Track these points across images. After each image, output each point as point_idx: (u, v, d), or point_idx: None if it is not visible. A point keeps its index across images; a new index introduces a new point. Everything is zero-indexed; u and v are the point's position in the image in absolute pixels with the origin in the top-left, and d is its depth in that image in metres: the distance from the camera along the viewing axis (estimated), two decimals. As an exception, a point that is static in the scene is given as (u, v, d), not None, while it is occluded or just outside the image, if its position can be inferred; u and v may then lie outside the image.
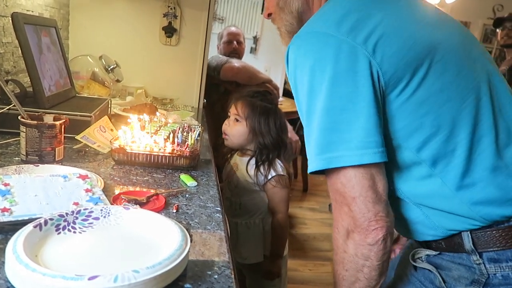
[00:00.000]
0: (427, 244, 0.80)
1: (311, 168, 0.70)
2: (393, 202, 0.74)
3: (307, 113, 0.70)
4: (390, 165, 0.71)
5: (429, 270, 0.78)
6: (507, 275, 0.69)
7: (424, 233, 0.77)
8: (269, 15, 0.92)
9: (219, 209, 0.88)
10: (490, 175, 0.69)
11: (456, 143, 0.69)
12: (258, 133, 1.36)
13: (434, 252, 0.78)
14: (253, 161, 1.37)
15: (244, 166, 1.39)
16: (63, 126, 1.02)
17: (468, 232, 0.72)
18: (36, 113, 1.04)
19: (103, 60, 1.86)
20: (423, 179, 0.72)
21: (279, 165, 1.35)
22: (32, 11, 1.59)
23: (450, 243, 0.75)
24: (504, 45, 2.87)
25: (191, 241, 0.72)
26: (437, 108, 0.68)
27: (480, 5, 4.81)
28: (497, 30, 2.87)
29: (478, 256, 0.71)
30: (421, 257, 0.81)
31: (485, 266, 0.70)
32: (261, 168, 1.35)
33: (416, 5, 0.77)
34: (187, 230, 0.70)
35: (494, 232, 0.70)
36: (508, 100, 0.74)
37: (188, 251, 0.62)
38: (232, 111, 1.41)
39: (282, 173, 1.34)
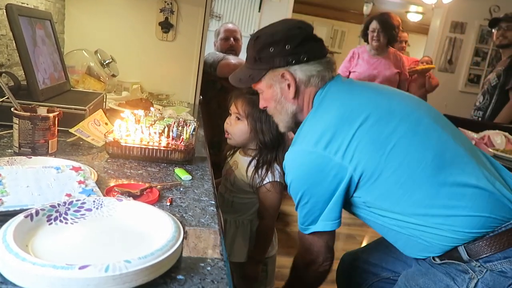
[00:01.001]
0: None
1: (304, 230, 1.03)
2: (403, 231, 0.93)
3: (297, 204, 1.00)
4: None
5: (451, 262, 0.91)
6: (502, 270, 0.85)
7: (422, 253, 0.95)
8: (265, 107, 1.11)
9: (213, 202, 0.88)
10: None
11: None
12: (259, 131, 1.34)
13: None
14: (254, 162, 1.37)
15: (244, 166, 1.38)
16: (56, 119, 1.01)
17: (462, 246, 0.87)
18: (30, 106, 1.03)
19: (98, 54, 1.85)
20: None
21: (277, 171, 1.34)
22: (27, 4, 1.58)
23: (448, 255, 0.90)
24: (499, 45, 2.90)
25: (185, 236, 0.71)
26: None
27: (476, 6, 4.82)
28: (493, 30, 2.89)
29: (475, 261, 0.87)
30: (436, 259, 0.94)
31: (484, 266, 0.86)
32: (260, 171, 1.34)
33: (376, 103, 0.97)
34: (180, 223, 0.70)
35: (481, 243, 0.86)
36: None
37: (181, 243, 0.62)
38: (233, 109, 1.40)
39: (278, 180, 1.34)
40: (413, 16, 6.30)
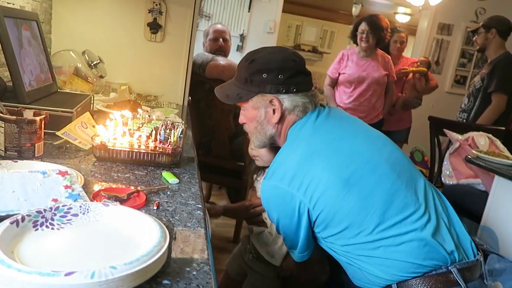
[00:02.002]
0: None
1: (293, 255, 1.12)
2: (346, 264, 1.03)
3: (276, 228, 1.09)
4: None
5: None
6: None
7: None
8: (243, 123, 1.16)
9: (200, 206, 0.89)
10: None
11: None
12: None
13: None
14: None
15: None
16: (43, 122, 1.01)
17: (395, 284, 0.95)
18: (16, 108, 1.03)
19: (86, 55, 1.84)
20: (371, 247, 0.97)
21: None
22: (13, 4, 1.56)
23: None
24: (478, 50, 3.00)
25: (173, 237, 0.72)
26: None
27: (463, 8, 4.89)
28: (475, 36, 2.98)
29: None
30: None
31: None
32: None
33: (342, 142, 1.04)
34: (167, 227, 0.71)
35: (412, 281, 0.93)
36: None
37: (167, 248, 0.62)
38: None
39: None
40: (401, 17, 6.36)
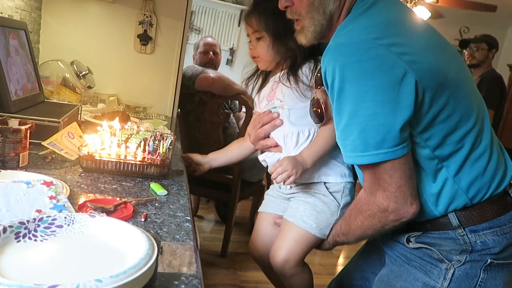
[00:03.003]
0: (409, 226, 0.92)
1: (357, 161, 0.83)
2: None
3: (350, 116, 0.79)
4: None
5: (425, 247, 0.92)
6: (484, 241, 0.88)
7: (417, 215, 0.88)
8: (287, 7, 0.93)
9: (189, 218, 0.87)
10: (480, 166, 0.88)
11: (464, 142, 0.86)
12: (283, 36, 1.15)
13: (418, 233, 0.94)
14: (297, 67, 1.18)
15: (284, 78, 1.20)
16: (28, 131, 0.99)
17: (453, 213, 0.88)
18: (1, 117, 1.01)
19: (74, 65, 1.82)
20: (434, 170, 0.87)
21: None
22: (1, 13, 1.54)
23: (435, 223, 0.91)
24: (469, 65, 3.05)
25: (160, 251, 0.70)
26: (453, 120, 0.84)
27: (447, 27, 5.03)
28: (464, 50, 3.03)
29: (462, 229, 0.88)
30: (411, 240, 0.95)
31: (467, 236, 0.88)
32: (304, 67, 1.17)
33: (432, 35, 0.91)
34: (155, 239, 0.69)
35: (472, 211, 0.88)
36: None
37: (155, 261, 0.61)
38: (249, 31, 1.24)
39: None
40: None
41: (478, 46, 2.98)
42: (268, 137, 1.26)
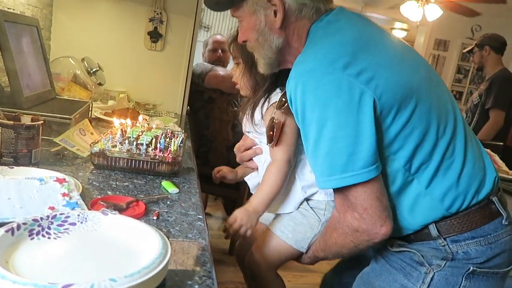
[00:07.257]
0: (393, 237, 0.90)
1: (325, 186, 0.83)
2: None
3: (315, 141, 0.80)
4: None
5: (408, 251, 0.91)
6: (467, 251, 0.86)
7: (396, 230, 0.88)
8: (244, 41, 0.97)
9: (201, 217, 0.87)
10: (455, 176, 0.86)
11: (434, 153, 0.84)
12: (250, 61, 1.13)
13: (403, 243, 0.93)
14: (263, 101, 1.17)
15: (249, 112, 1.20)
16: (41, 128, 0.99)
17: (433, 224, 0.87)
18: (13, 113, 1.01)
19: (85, 62, 1.82)
20: (405, 183, 0.86)
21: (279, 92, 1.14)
22: (14, 9, 1.55)
23: (417, 235, 0.89)
24: (477, 68, 3.06)
25: (174, 250, 0.70)
26: (420, 132, 0.82)
27: (459, 25, 4.97)
28: (471, 56, 3.04)
29: (443, 240, 0.87)
30: (394, 244, 0.95)
31: (449, 246, 0.86)
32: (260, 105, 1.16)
33: (392, 48, 0.89)
34: (168, 238, 0.68)
35: (453, 221, 0.86)
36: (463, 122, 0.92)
37: (169, 260, 0.60)
38: (232, 56, 1.25)
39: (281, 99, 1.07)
40: (398, 32, 6.44)
41: (470, 50, 2.99)
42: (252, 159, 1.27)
